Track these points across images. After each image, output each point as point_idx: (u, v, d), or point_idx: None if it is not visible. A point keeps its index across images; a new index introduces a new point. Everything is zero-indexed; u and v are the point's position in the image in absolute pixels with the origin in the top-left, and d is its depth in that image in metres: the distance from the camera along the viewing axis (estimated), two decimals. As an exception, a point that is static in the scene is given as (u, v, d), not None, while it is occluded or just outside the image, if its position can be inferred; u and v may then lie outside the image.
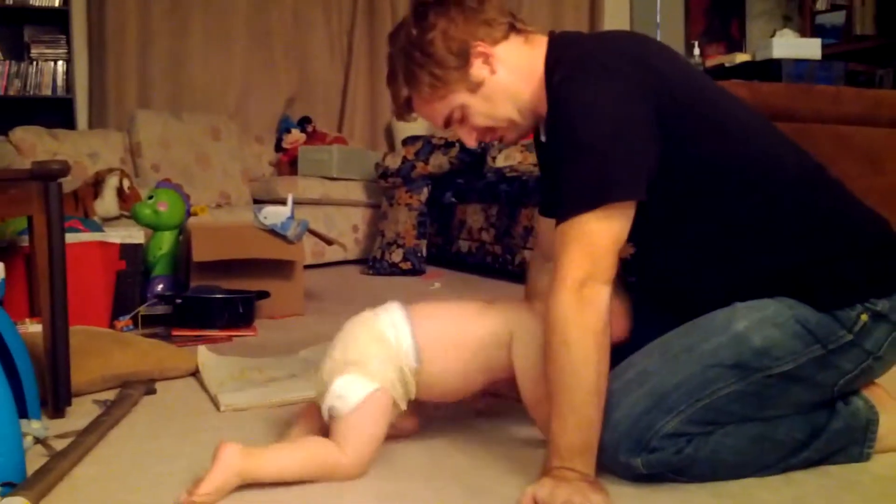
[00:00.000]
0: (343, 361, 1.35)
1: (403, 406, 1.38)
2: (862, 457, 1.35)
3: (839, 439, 1.33)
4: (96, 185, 3.63)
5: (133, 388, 1.79)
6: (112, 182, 3.62)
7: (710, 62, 4.43)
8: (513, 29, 1.40)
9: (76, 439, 1.44)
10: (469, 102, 1.39)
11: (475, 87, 1.37)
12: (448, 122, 1.43)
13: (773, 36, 4.17)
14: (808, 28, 5.45)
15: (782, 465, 1.30)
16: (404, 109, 1.45)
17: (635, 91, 1.25)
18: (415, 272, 4.15)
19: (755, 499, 1.23)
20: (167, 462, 1.40)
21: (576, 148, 1.24)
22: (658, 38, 5.06)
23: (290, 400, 1.72)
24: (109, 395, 1.78)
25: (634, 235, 1.27)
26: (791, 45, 3.84)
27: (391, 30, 1.46)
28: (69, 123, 4.75)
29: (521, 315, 1.41)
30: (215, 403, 1.73)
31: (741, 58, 4.18)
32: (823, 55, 3.94)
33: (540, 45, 1.39)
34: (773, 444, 1.30)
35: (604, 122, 1.22)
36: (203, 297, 2.56)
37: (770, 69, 3.71)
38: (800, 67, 3.69)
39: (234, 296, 2.58)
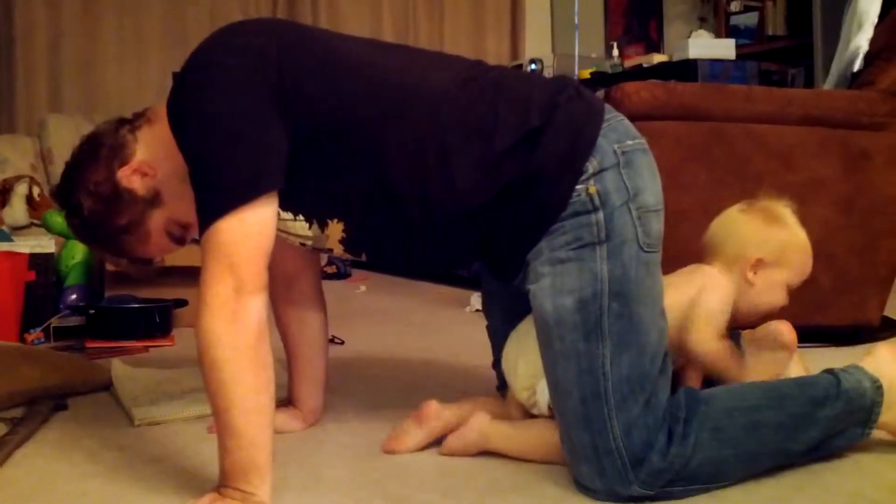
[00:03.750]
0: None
1: None
2: (863, 436, 1.34)
3: (841, 414, 1.31)
4: (4, 192, 3.50)
5: (42, 405, 1.72)
6: (21, 190, 3.50)
7: (629, 63, 4.49)
8: (132, 128, 1.36)
9: (-21, 461, 1.37)
10: (169, 214, 1.35)
11: (157, 200, 1.34)
12: (180, 240, 1.39)
13: (689, 37, 4.24)
14: (723, 29, 5.56)
15: (790, 447, 1.28)
16: (141, 268, 1.43)
17: (241, 85, 1.20)
18: (340, 276, 4.10)
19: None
20: (78, 482, 1.35)
21: (194, 165, 1.21)
22: (577, 40, 5.13)
23: (208, 412, 1.66)
24: (17, 412, 1.70)
25: (333, 213, 1.29)
26: (706, 46, 3.93)
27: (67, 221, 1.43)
28: (-25, 129, 4.57)
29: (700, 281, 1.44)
30: (129, 418, 1.67)
31: (658, 58, 4.25)
32: (738, 55, 4.04)
33: (161, 111, 1.32)
34: (772, 428, 1.27)
35: (209, 131, 1.19)
36: (117, 306, 2.48)
37: (686, 69, 3.78)
38: (715, 67, 3.77)
39: (151, 305, 2.50)
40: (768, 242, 1.46)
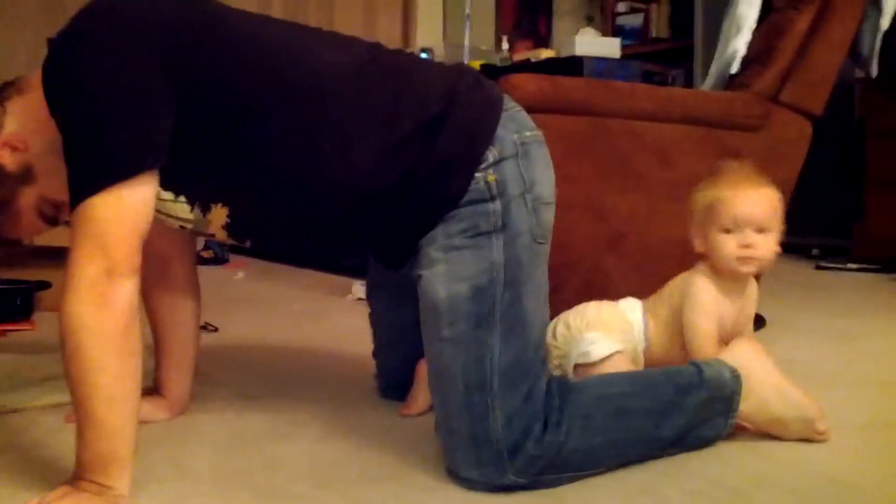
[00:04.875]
0: (595, 321, 1.59)
1: None
2: (727, 426, 1.38)
3: (705, 403, 1.34)
4: None
5: None
6: None
7: (518, 56, 4.52)
8: (0, 99, 1.25)
9: None
10: (41, 192, 1.26)
11: (27, 176, 1.24)
12: (53, 220, 1.30)
13: (576, 34, 4.31)
14: (610, 28, 5.70)
15: (658, 433, 1.30)
16: (9, 249, 1.35)
17: (126, 55, 1.13)
18: (217, 261, 3.99)
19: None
20: (-84, 474, 1.25)
21: (69, 136, 1.14)
22: (467, 32, 5.14)
23: (66, 400, 1.57)
24: None
25: (219, 197, 1.25)
26: (592, 44, 3.98)
27: None
28: None
29: (687, 279, 1.57)
30: (-20, 406, 1.57)
31: (546, 53, 4.29)
32: (622, 55, 4.12)
33: (35, 79, 1.22)
34: (640, 414, 1.29)
35: (88, 100, 1.11)
36: (-26, 288, 2.34)
37: (573, 65, 3.83)
38: (600, 65, 3.83)
39: (11, 287, 2.37)
40: (691, 212, 1.58)
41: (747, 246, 1.50)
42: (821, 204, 4.18)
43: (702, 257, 1.58)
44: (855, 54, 2.44)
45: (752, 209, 1.50)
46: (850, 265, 3.87)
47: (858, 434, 1.38)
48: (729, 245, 1.51)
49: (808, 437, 1.40)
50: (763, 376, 1.40)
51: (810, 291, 3.21)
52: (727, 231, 1.52)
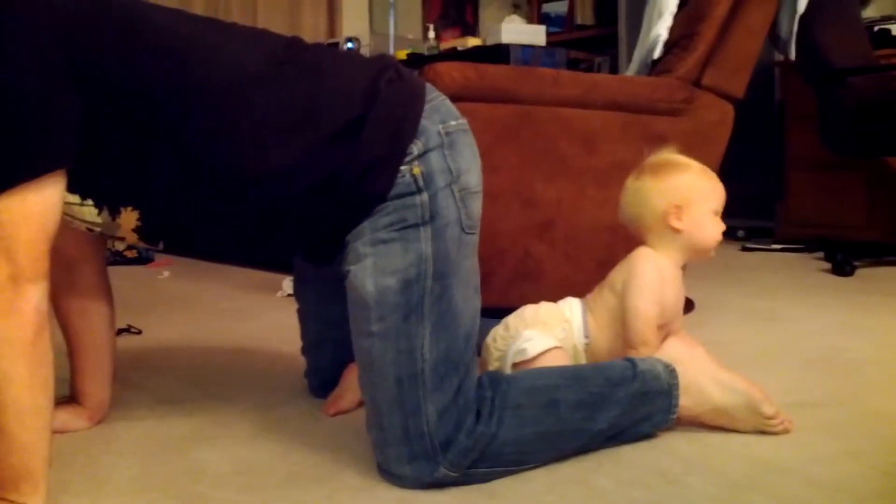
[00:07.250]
0: (533, 320, 1.55)
1: None
2: (669, 421, 1.37)
3: (638, 395, 1.33)
4: None
5: None
6: None
7: (445, 45, 4.51)
8: None
9: None
10: None
11: None
12: None
13: (502, 22, 4.31)
14: (535, 16, 5.71)
15: (590, 426, 1.28)
16: None
17: (29, 47, 1.06)
18: (141, 261, 3.88)
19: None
20: None
21: None
22: (392, 21, 5.10)
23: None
24: None
25: (129, 200, 1.20)
26: (518, 31, 3.99)
27: None
28: None
29: (631, 262, 1.53)
30: None
31: (473, 42, 4.29)
32: (548, 42, 4.13)
33: None
34: (570, 406, 1.27)
35: None
36: None
37: (499, 53, 3.83)
38: (526, 53, 3.84)
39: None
40: (671, 190, 1.52)
41: (722, 232, 1.54)
42: (745, 186, 4.26)
43: (640, 241, 1.55)
44: (774, 37, 2.47)
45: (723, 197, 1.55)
46: (774, 245, 3.96)
47: (785, 414, 1.39)
48: (717, 227, 1.52)
49: (762, 428, 1.38)
50: (698, 368, 1.41)
51: (736, 272, 3.26)
52: (717, 213, 1.53)
